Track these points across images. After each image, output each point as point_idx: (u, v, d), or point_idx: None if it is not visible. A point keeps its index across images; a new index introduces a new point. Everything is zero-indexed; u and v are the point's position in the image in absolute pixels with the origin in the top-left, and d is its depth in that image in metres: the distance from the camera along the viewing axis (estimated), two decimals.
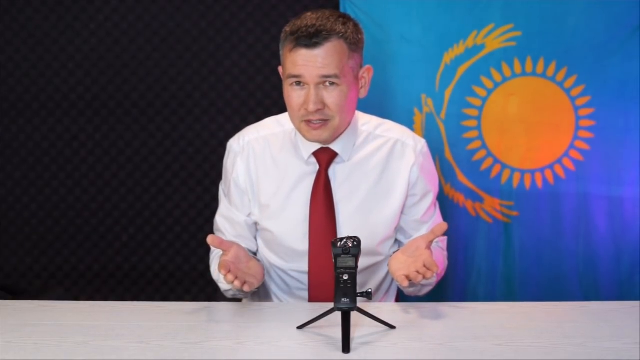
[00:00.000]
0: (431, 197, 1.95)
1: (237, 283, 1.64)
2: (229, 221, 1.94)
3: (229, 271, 1.63)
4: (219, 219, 1.97)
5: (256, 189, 1.90)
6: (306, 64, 1.72)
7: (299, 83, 1.75)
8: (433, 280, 1.81)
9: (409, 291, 1.84)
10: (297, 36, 1.72)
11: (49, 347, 1.43)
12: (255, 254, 1.96)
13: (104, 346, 1.43)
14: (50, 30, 2.88)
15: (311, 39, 1.71)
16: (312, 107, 1.73)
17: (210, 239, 1.67)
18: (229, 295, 1.88)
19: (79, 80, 2.90)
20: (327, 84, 1.74)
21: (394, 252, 1.83)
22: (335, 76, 1.73)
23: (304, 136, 1.82)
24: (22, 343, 1.46)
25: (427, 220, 1.95)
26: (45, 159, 2.94)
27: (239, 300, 1.94)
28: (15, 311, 1.69)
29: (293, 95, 1.76)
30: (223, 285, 1.84)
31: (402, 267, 1.70)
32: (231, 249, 1.71)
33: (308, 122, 1.77)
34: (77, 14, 2.87)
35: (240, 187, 1.91)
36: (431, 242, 1.70)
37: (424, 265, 1.63)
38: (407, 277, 1.65)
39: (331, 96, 1.74)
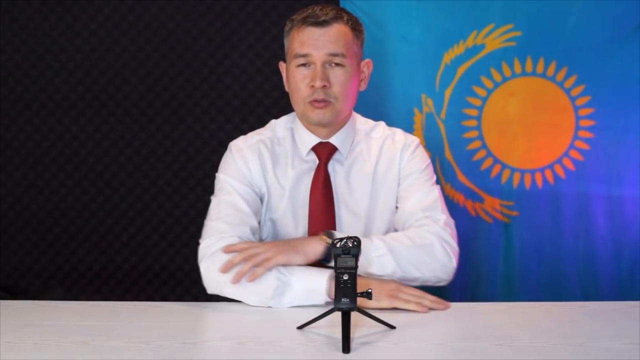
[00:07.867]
0: (415, 176, 1.87)
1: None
2: (234, 207, 1.84)
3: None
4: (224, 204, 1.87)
5: (262, 187, 1.89)
6: (314, 42, 1.78)
7: (304, 64, 1.79)
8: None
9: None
10: (305, 16, 1.80)
11: (49, 347, 1.43)
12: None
13: (104, 346, 1.43)
14: (50, 30, 2.88)
15: (319, 18, 1.78)
16: (318, 83, 1.77)
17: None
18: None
19: (79, 80, 2.90)
20: (333, 64, 1.79)
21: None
22: (342, 55, 1.79)
23: (307, 118, 1.83)
24: (22, 343, 1.45)
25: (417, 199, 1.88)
26: (45, 159, 2.94)
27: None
28: (15, 311, 1.68)
29: (298, 75, 1.80)
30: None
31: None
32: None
33: (312, 102, 1.80)
34: (77, 14, 2.87)
35: (250, 182, 1.87)
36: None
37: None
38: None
39: (336, 76, 1.79)
